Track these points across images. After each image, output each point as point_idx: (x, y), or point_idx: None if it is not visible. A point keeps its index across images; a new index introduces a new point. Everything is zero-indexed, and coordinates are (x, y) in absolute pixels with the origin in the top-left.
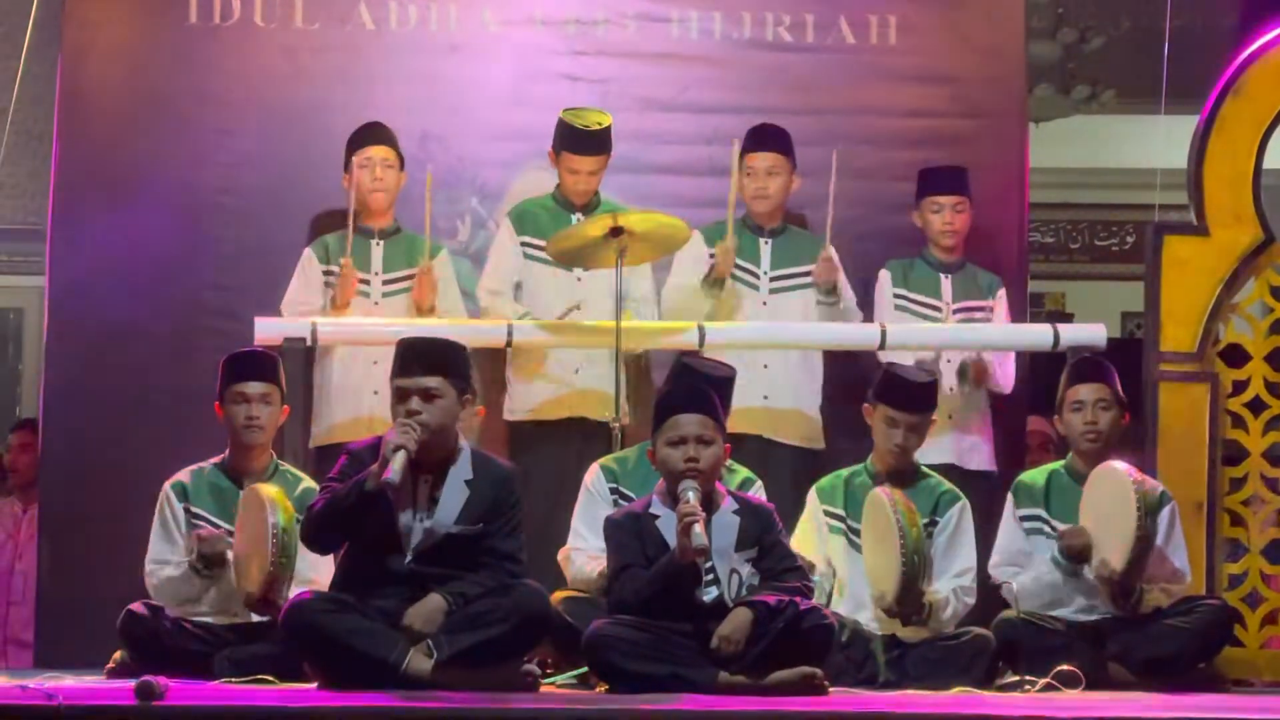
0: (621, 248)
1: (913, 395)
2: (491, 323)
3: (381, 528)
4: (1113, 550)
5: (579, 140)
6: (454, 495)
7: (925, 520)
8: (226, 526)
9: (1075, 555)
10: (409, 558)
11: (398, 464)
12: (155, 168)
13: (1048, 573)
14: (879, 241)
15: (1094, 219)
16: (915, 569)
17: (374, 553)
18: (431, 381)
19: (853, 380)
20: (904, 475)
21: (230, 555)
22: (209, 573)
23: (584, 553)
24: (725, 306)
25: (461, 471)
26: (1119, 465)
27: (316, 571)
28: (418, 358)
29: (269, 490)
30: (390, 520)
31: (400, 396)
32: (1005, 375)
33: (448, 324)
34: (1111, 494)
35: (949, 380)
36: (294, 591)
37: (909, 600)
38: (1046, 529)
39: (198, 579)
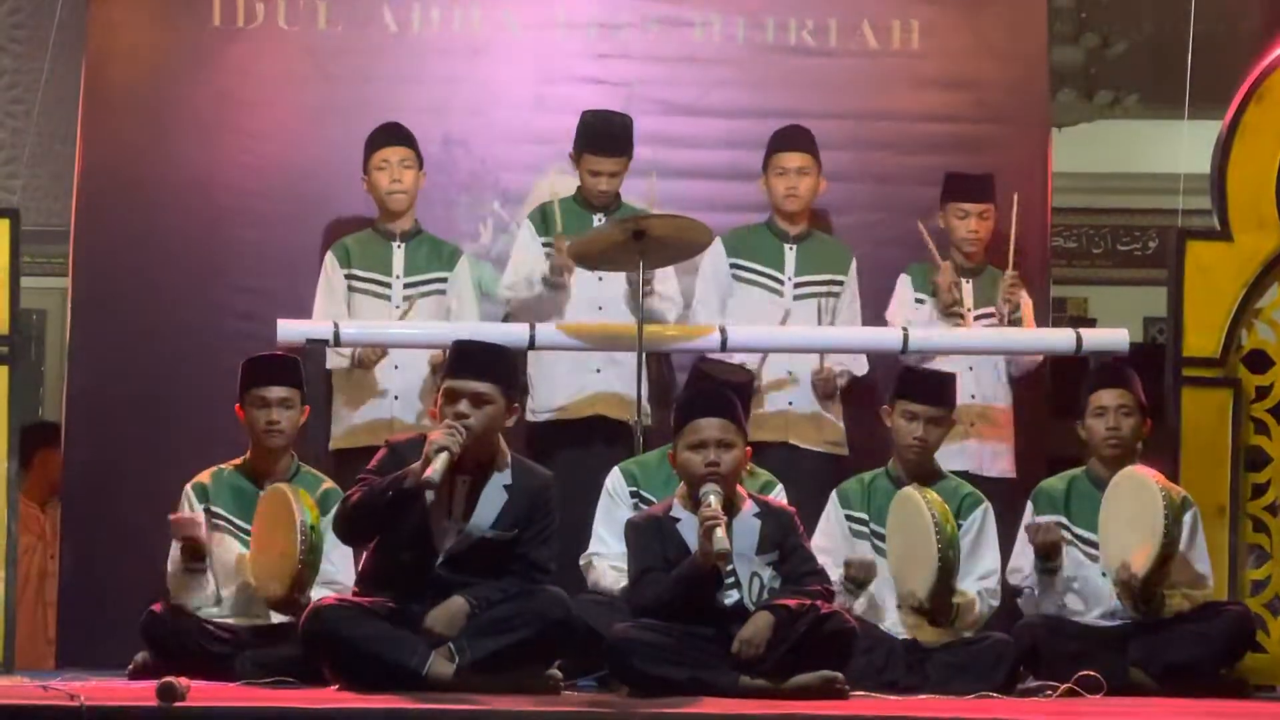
0: (643, 251)
1: (930, 388)
2: (514, 325)
3: (415, 527)
4: (1135, 555)
5: (600, 141)
6: (492, 500)
7: None
8: (247, 527)
9: (1047, 552)
10: (440, 559)
11: (440, 464)
12: (178, 170)
13: (1033, 572)
14: (900, 246)
15: (1117, 224)
16: (950, 565)
17: (403, 553)
18: (483, 386)
19: (870, 386)
20: (925, 477)
21: (209, 543)
22: (193, 565)
23: (605, 559)
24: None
25: (502, 477)
26: (1144, 471)
27: (339, 571)
28: (472, 361)
29: (294, 489)
30: (424, 521)
31: (450, 398)
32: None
33: (471, 327)
34: (1136, 499)
35: (970, 388)
36: (316, 591)
37: (940, 599)
38: (1067, 535)
39: (185, 574)
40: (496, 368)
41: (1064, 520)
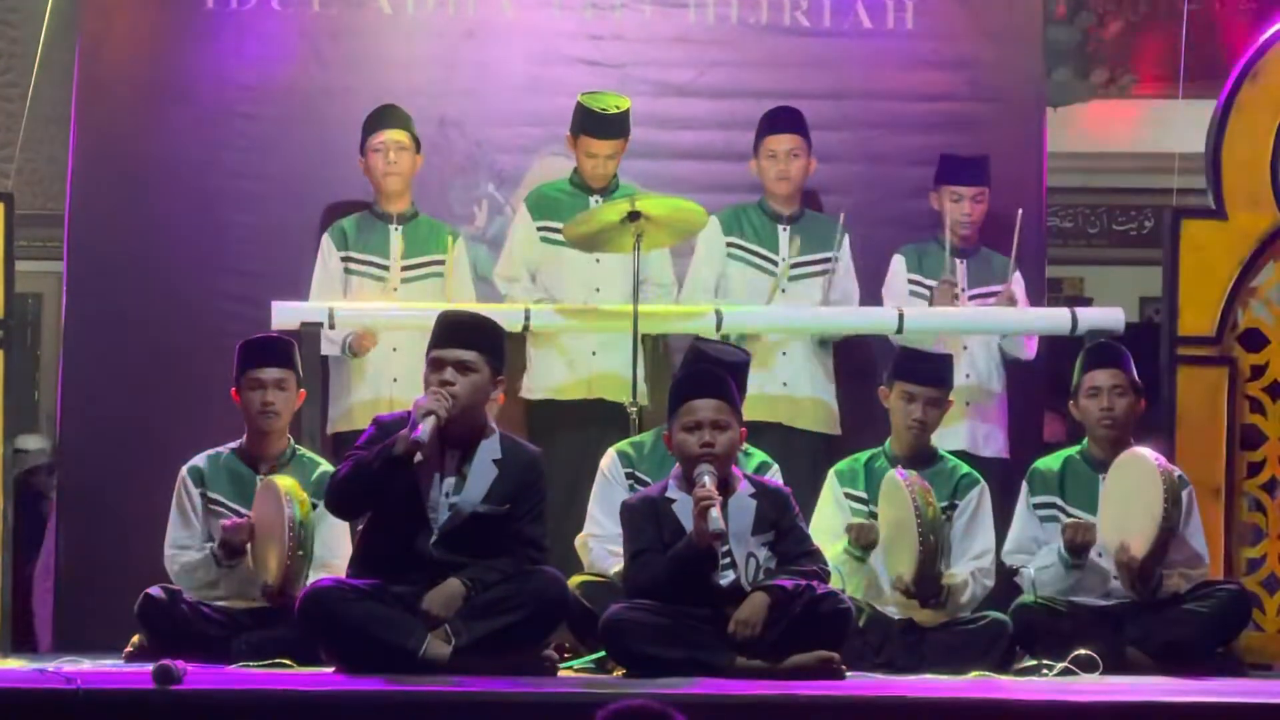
0: (639, 232)
1: (929, 369)
2: (510, 307)
3: (406, 502)
4: (1134, 536)
5: (597, 123)
6: (482, 473)
7: (944, 504)
8: (243, 511)
9: (1077, 550)
10: (434, 537)
11: (428, 426)
12: (173, 152)
13: (1058, 562)
14: (895, 226)
15: (1112, 203)
16: (932, 549)
17: (397, 532)
18: (468, 355)
19: (864, 366)
20: (922, 458)
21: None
22: (230, 562)
23: (602, 541)
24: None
25: (490, 451)
26: (1146, 452)
27: (335, 556)
28: (456, 330)
29: (285, 482)
30: (415, 495)
31: (435, 366)
32: (1030, 340)
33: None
34: (1137, 481)
35: (965, 368)
36: (313, 575)
37: (926, 581)
38: (1062, 516)
39: (217, 566)
40: (481, 337)
41: (1058, 501)
